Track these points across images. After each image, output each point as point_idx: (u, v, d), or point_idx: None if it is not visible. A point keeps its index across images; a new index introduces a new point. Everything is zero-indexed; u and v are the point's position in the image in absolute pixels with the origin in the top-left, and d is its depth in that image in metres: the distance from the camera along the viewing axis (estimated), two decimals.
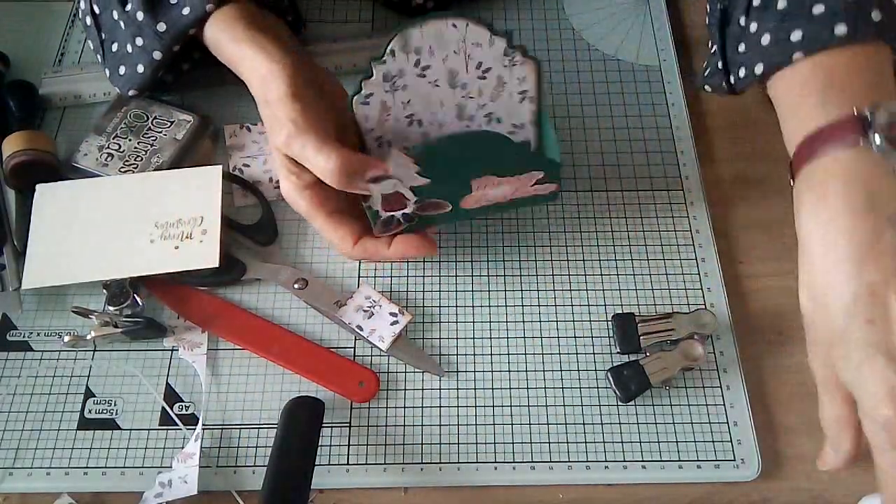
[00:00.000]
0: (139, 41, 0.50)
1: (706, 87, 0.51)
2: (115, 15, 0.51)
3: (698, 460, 0.45)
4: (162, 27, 0.48)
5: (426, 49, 0.37)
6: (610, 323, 0.49)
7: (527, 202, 0.46)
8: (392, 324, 0.49)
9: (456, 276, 0.51)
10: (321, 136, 0.40)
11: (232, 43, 0.46)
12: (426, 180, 0.40)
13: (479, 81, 0.39)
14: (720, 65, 0.48)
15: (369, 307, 0.49)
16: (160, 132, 0.54)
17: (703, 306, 0.50)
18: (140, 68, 0.51)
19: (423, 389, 0.47)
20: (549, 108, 0.58)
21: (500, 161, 0.41)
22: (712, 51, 0.50)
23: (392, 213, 0.43)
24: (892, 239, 0.35)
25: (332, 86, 0.46)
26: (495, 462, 0.45)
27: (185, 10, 0.46)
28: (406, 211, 0.42)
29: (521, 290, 0.51)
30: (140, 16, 0.48)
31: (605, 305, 0.50)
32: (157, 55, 0.49)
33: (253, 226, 0.52)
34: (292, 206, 0.45)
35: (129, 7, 0.49)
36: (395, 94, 0.39)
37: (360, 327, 0.49)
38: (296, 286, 0.50)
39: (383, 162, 0.39)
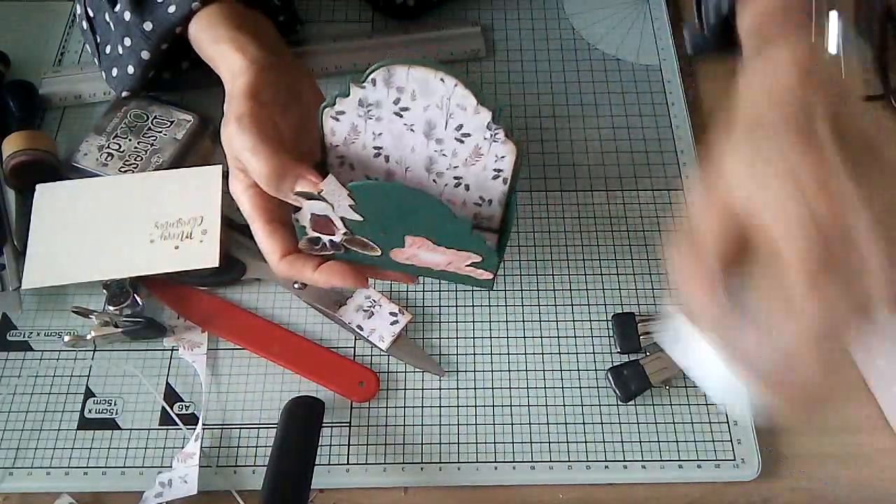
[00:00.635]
0: (127, 41, 0.50)
1: (692, 50, 0.51)
2: (107, 17, 0.51)
3: (698, 460, 0.45)
4: (148, 26, 0.48)
5: (409, 91, 0.35)
6: (610, 323, 0.49)
7: (460, 279, 0.42)
8: (392, 323, 0.49)
9: None
10: (262, 138, 0.38)
11: (213, 43, 0.45)
12: (358, 217, 0.37)
13: (455, 143, 0.37)
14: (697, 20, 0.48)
15: (369, 307, 0.49)
16: (160, 132, 0.54)
17: None
18: (130, 69, 0.51)
19: (423, 389, 0.47)
20: (549, 108, 0.58)
21: (439, 231, 0.38)
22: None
23: (319, 235, 0.40)
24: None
25: (314, 98, 0.44)
26: (495, 462, 0.45)
27: (171, 9, 0.46)
28: (334, 238, 0.40)
29: (521, 290, 0.51)
30: (127, 16, 0.48)
31: (605, 305, 0.50)
32: (144, 55, 0.49)
33: None
34: (238, 204, 0.42)
35: (117, 7, 0.49)
36: (368, 122, 0.37)
37: (360, 327, 0.49)
38: (296, 286, 0.50)
39: (318, 180, 0.36)
